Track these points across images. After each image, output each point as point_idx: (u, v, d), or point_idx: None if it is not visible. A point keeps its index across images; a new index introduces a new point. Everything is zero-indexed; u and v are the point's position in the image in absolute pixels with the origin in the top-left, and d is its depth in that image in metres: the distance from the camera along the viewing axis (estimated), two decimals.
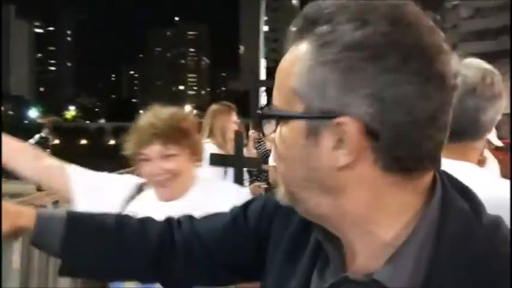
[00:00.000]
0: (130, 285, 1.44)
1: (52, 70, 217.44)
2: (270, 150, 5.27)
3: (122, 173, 1.87)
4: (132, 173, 2.08)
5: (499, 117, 1.32)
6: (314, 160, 0.64)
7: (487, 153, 1.59)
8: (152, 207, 1.63)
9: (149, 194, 1.72)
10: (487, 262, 0.61)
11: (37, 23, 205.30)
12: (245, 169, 3.95)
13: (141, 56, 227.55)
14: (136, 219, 1.01)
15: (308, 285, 0.75)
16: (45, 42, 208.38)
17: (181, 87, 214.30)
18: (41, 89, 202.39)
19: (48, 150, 14.20)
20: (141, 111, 1.77)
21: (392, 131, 0.60)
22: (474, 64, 1.31)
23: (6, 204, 0.94)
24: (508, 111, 3.29)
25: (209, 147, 3.64)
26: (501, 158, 2.64)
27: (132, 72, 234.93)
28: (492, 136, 2.77)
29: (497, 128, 1.46)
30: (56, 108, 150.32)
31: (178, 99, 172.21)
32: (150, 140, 1.62)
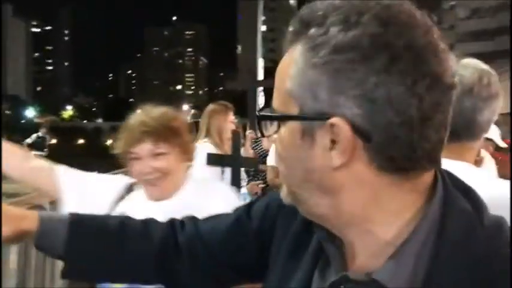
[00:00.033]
0: (118, 285, 1.44)
1: (49, 70, 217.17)
2: (267, 150, 5.28)
3: (118, 173, 1.86)
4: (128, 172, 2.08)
5: (495, 117, 1.32)
6: (310, 160, 0.65)
7: (484, 153, 1.59)
8: (142, 207, 1.63)
9: (139, 193, 1.72)
10: (487, 262, 0.61)
11: (34, 22, 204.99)
12: (242, 169, 3.95)
13: (138, 55, 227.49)
14: (140, 221, 1.01)
15: (309, 285, 0.75)
16: (43, 41, 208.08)
17: (179, 87, 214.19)
18: (38, 89, 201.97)
19: (46, 149, 14.23)
20: (138, 111, 1.77)
21: (383, 132, 0.60)
22: (471, 64, 1.31)
23: (9, 207, 0.94)
24: (508, 111, 3.31)
25: (206, 147, 3.64)
26: (499, 158, 2.66)
27: (129, 71, 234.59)
28: (496, 137, 2.78)
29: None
30: (53, 108, 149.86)
31: (175, 99, 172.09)
32: (141, 138, 1.62)
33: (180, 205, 1.60)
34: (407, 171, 0.63)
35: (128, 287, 1.33)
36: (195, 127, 4.09)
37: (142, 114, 1.68)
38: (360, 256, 0.69)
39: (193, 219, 1.01)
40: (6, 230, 0.90)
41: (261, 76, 11.43)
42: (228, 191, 1.82)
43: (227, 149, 3.74)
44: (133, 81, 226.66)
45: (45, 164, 1.80)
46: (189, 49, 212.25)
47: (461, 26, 51.62)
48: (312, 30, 0.64)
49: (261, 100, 9.98)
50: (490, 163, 1.89)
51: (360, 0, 0.64)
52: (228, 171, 3.66)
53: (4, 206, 0.92)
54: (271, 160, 4.67)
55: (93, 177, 1.84)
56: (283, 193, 0.73)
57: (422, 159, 0.63)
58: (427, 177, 0.66)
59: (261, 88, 10.10)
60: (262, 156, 5.32)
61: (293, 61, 0.65)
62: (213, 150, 3.65)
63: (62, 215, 0.99)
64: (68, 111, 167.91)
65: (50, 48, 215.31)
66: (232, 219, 0.95)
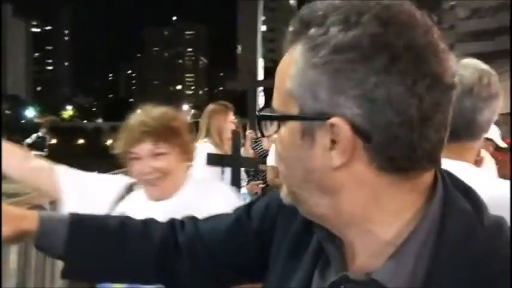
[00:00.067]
0: (118, 285, 1.44)
1: (49, 70, 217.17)
2: (267, 150, 5.28)
3: (118, 173, 1.86)
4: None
5: (495, 117, 1.32)
6: (310, 160, 0.65)
7: (484, 154, 1.59)
8: (142, 207, 1.63)
9: (139, 193, 1.72)
10: (487, 262, 0.61)
11: (34, 22, 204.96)
12: (242, 169, 3.95)
13: (138, 55, 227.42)
14: (140, 221, 1.01)
15: (309, 285, 0.75)
16: (43, 41, 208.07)
17: (179, 87, 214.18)
18: (38, 89, 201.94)
19: (46, 149, 14.23)
20: (138, 111, 1.77)
21: (383, 132, 0.60)
22: (471, 64, 1.31)
23: (10, 207, 0.94)
24: (508, 111, 3.31)
25: (206, 147, 3.64)
26: (499, 158, 2.66)
27: (129, 71, 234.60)
28: (496, 137, 2.78)
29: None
30: (53, 108, 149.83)
31: (175, 99, 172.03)
32: (141, 138, 1.62)
33: (180, 205, 1.60)
34: (407, 171, 0.63)
35: (127, 287, 1.33)
36: (195, 127, 4.09)
37: (142, 114, 1.68)
38: (360, 256, 0.69)
39: (193, 219, 1.01)
40: (7, 230, 0.90)
41: (261, 76, 11.42)
42: (227, 191, 1.82)
43: (227, 149, 3.74)
44: (133, 81, 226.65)
45: (45, 164, 1.80)
46: (189, 49, 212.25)
47: (461, 26, 51.63)
48: (312, 30, 0.64)
49: (261, 100, 9.98)
50: (490, 163, 1.89)
51: (360, 0, 0.64)
52: (228, 171, 3.66)
53: (4, 206, 0.92)
54: (271, 160, 4.67)
55: (93, 177, 1.84)
56: (283, 193, 0.73)
57: (423, 159, 0.63)
58: (427, 177, 0.66)
59: (261, 88, 10.09)
60: (262, 156, 5.32)
61: (293, 61, 0.65)
62: (213, 150, 3.65)
63: (62, 215, 0.99)
64: (68, 111, 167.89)
65: (49, 48, 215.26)
66: (232, 219, 0.95)
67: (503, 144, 2.79)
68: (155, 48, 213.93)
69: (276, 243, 0.86)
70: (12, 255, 3.27)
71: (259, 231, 0.90)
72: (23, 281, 3.34)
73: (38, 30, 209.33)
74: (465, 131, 1.28)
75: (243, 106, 9.45)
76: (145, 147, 1.62)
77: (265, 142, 5.56)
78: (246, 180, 4.61)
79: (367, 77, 0.60)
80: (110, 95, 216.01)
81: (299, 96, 0.64)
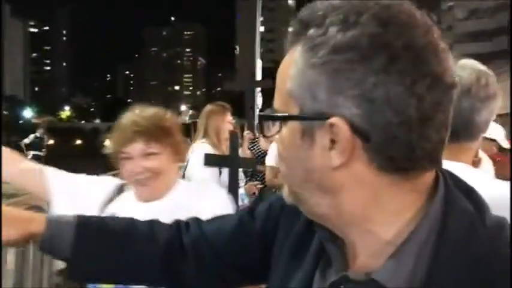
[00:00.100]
0: (107, 286, 1.44)
1: (47, 70, 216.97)
2: (264, 151, 5.28)
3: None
4: None
5: (493, 118, 1.32)
6: (310, 160, 0.65)
7: (482, 154, 1.59)
8: (132, 208, 1.63)
9: (129, 195, 1.71)
10: (487, 262, 0.61)
11: (32, 23, 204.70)
12: (240, 169, 3.95)
13: (136, 55, 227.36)
14: (145, 223, 1.02)
15: (310, 285, 0.76)
16: (40, 41, 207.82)
17: (177, 88, 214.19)
18: (36, 89, 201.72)
19: (43, 150, 14.20)
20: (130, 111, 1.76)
21: (382, 132, 0.61)
22: (469, 65, 1.31)
23: (18, 210, 0.95)
24: (508, 111, 3.31)
25: (204, 148, 3.64)
26: (497, 159, 2.65)
27: (127, 72, 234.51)
28: (500, 138, 2.78)
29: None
30: (50, 108, 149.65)
31: (173, 100, 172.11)
32: (133, 137, 1.61)
33: (171, 205, 1.60)
34: (407, 171, 0.63)
35: (116, 287, 1.33)
36: (193, 127, 4.09)
37: (134, 114, 1.67)
38: (360, 256, 0.69)
39: (197, 220, 1.02)
40: (14, 233, 0.90)
41: (259, 77, 11.40)
42: (219, 192, 1.81)
43: (225, 149, 3.74)
44: (132, 82, 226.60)
45: (34, 166, 1.78)
46: (188, 49, 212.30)
47: (460, 27, 51.70)
48: (311, 31, 0.64)
49: (259, 101, 9.96)
50: (487, 164, 1.89)
51: (360, 0, 0.64)
52: (225, 171, 3.66)
53: (12, 209, 0.94)
54: (270, 160, 4.67)
55: (83, 179, 1.82)
56: (285, 193, 0.74)
57: (423, 159, 0.63)
58: (428, 177, 0.66)
59: (258, 89, 10.08)
60: (260, 157, 5.32)
61: (293, 62, 0.66)
62: (211, 150, 3.65)
63: (68, 217, 0.98)
64: (66, 111, 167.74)
65: (47, 48, 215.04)
66: (236, 220, 0.96)
67: (506, 145, 2.80)
68: (153, 49, 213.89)
69: (278, 243, 0.86)
70: (10, 255, 3.27)
71: (263, 232, 0.91)
72: (21, 281, 3.33)
73: (36, 30, 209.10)
74: (463, 131, 1.28)
75: (240, 107, 9.44)
76: (137, 147, 1.62)
77: (262, 143, 5.57)
78: (244, 180, 4.61)
79: (366, 77, 0.60)
80: (108, 96, 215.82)
81: (299, 97, 0.64)
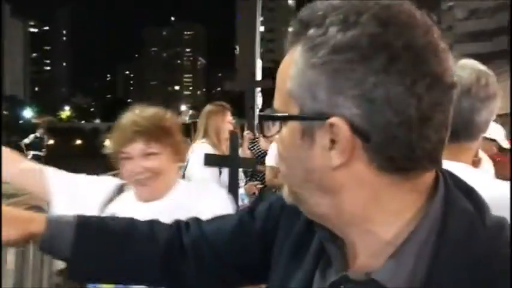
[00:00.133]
0: (106, 286, 1.44)
1: (47, 70, 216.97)
2: (264, 151, 5.28)
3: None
4: None
5: (493, 118, 1.32)
6: (310, 160, 0.65)
7: (482, 154, 1.59)
8: (132, 208, 1.63)
9: (129, 195, 1.71)
10: (487, 262, 0.61)
11: (32, 23, 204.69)
12: (240, 169, 3.95)
13: (136, 55, 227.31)
14: (145, 223, 1.02)
15: (310, 285, 0.76)
16: (40, 41, 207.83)
17: (177, 88, 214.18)
18: (36, 89, 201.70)
19: (43, 150, 14.21)
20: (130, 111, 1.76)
21: (382, 132, 0.61)
22: (469, 65, 1.31)
23: (18, 210, 0.95)
24: (508, 111, 3.31)
25: (204, 148, 3.64)
26: (497, 159, 2.65)
27: (127, 72, 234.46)
28: (500, 138, 2.77)
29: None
30: (51, 108, 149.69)
31: (173, 100, 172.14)
32: (133, 137, 1.61)
33: (170, 205, 1.60)
34: (407, 171, 0.63)
35: (116, 287, 1.33)
36: (193, 127, 4.09)
37: (134, 114, 1.67)
38: (360, 256, 0.69)
39: (197, 220, 1.02)
40: (14, 233, 0.90)
41: (259, 77, 11.40)
42: (219, 192, 1.81)
43: (225, 149, 3.74)
44: (132, 82, 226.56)
45: (34, 166, 1.79)
46: (188, 49, 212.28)
47: (460, 27, 51.70)
48: (311, 31, 0.64)
49: (259, 101, 9.95)
50: (487, 164, 1.89)
51: (360, 0, 0.64)
52: (225, 171, 3.66)
53: (12, 210, 0.94)
54: (270, 160, 4.67)
55: (83, 179, 1.82)
56: (285, 193, 0.74)
57: (423, 159, 0.63)
58: (428, 177, 0.66)
59: (258, 89, 10.07)
60: (260, 157, 5.32)
61: (293, 62, 0.66)
62: (211, 150, 3.65)
63: (68, 217, 0.99)
64: (66, 111, 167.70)
65: (47, 48, 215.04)
66: (236, 220, 0.96)
67: (506, 145, 2.80)
68: (153, 49, 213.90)
69: (279, 243, 0.86)
70: (10, 255, 3.27)
71: (263, 232, 0.91)
72: (21, 281, 3.33)
73: (36, 30, 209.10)
74: (463, 131, 1.28)
75: (240, 107, 9.43)
76: (137, 147, 1.62)
77: (262, 143, 5.57)
78: (244, 180, 4.61)
79: (365, 77, 0.60)
80: (108, 96, 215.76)
81: (299, 97, 0.64)
